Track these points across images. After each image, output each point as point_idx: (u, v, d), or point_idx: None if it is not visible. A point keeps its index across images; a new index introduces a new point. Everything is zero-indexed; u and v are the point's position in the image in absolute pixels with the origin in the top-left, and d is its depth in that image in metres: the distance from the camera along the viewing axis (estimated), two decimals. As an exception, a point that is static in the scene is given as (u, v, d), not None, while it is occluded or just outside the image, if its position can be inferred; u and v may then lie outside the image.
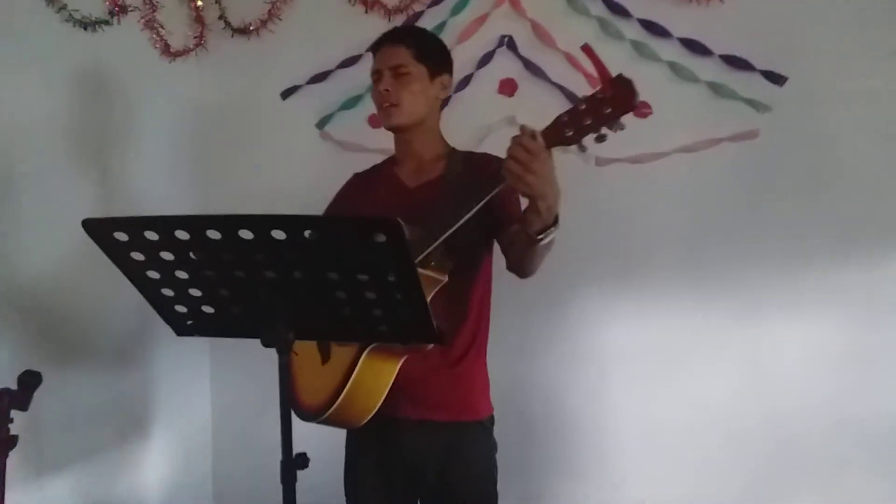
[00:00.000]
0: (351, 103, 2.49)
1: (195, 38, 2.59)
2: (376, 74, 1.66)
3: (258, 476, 2.67)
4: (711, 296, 2.18)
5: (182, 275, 1.18)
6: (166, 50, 2.51)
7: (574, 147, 1.32)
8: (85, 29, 2.18)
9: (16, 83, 1.98)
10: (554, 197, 1.32)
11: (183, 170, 2.60)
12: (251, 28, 2.57)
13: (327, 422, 1.52)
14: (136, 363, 2.38)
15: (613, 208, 2.25)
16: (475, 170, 1.62)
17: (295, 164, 2.58)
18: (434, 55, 1.68)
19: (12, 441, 1.44)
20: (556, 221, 1.37)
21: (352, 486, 1.70)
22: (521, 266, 1.54)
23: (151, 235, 1.11)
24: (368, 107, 2.46)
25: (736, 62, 2.13)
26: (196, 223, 1.08)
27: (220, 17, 2.59)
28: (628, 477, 2.24)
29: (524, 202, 1.40)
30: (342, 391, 1.44)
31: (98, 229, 1.11)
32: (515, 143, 1.30)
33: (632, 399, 2.24)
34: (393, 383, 1.48)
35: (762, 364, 2.14)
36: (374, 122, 2.47)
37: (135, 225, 1.10)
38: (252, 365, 2.61)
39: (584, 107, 1.29)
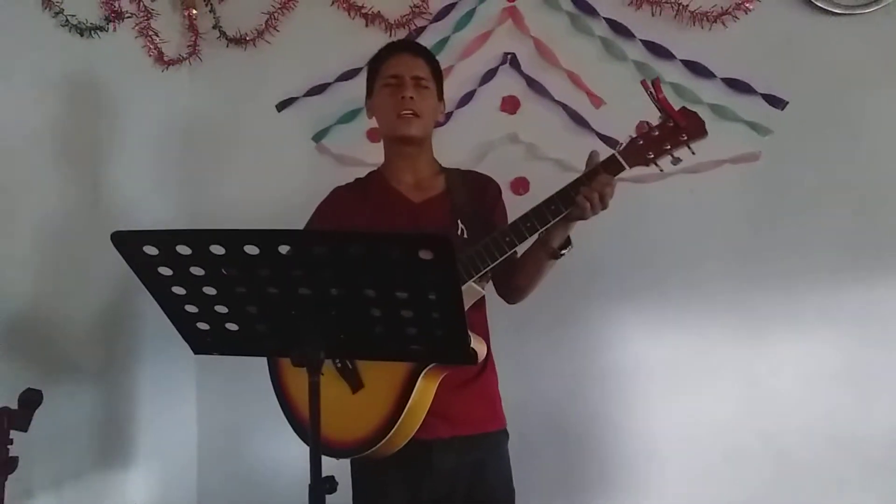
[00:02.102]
0: (349, 117, 2.45)
1: (189, 46, 2.53)
2: (396, 79, 1.63)
3: (244, 498, 2.61)
4: (712, 315, 2.19)
5: (210, 291, 1.14)
6: (160, 58, 2.44)
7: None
8: (81, 35, 2.11)
9: (8, 87, 1.91)
10: None
11: (174, 180, 2.53)
12: (247, 38, 2.52)
13: (368, 456, 1.47)
14: (123, 382, 2.29)
15: (616, 228, 2.23)
16: (474, 187, 1.70)
17: (290, 178, 2.52)
18: (440, 78, 1.73)
19: (13, 463, 1.37)
20: (569, 240, 1.52)
21: None
22: (525, 287, 1.64)
23: (184, 250, 1.06)
24: (367, 121, 2.43)
25: (738, 85, 2.16)
26: (234, 238, 1.04)
27: (215, 27, 2.54)
28: (630, 495, 2.23)
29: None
30: (397, 419, 1.41)
31: (127, 242, 1.06)
32: (603, 182, 1.45)
33: (633, 417, 2.24)
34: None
35: (761, 382, 2.16)
36: (372, 136, 2.43)
37: (168, 239, 1.05)
38: (238, 386, 2.56)
39: (657, 133, 1.49)
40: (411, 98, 1.60)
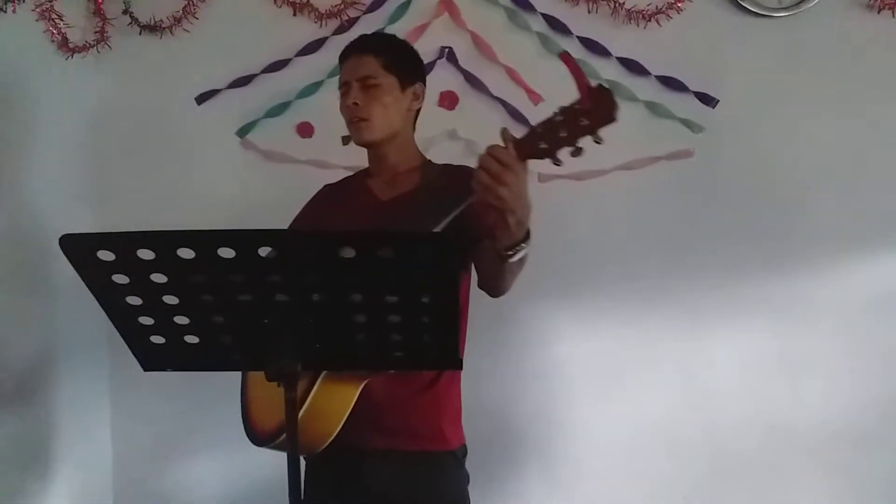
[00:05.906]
0: (277, 110, 2.32)
1: (96, 32, 2.32)
2: (344, 87, 1.58)
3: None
4: (650, 310, 2.22)
5: (171, 300, 1.02)
6: (64, 44, 2.23)
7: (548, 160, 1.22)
8: (-26, 15, 1.90)
9: None
10: (524, 211, 1.23)
11: (83, 178, 2.32)
12: (162, 25, 2.33)
13: (280, 447, 1.36)
14: (33, 401, 2.08)
15: (555, 225, 2.20)
16: (452, 182, 1.52)
17: (213, 175, 2.37)
18: (404, 64, 1.61)
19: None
20: (527, 237, 1.29)
21: None
22: (493, 284, 1.46)
23: (146, 254, 0.94)
24: (297, 114, 2.33)
25: (671, 83, 2.19)
26: (207, 239, 0.93)
27: (125, 12, 2.33)
28: (573, 494, 2.23)
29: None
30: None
31: (79, 247, 0.93)
32: (488, 153, 1.20)
33: (575, 416, 2.23)
34: (359, 409, 1.35)
35: (699, 375, 2.20)
36: (302, 131, 2.32)
37: (128, 242, 0.93)
38: (154, 405, 2.38)
39: (560, 118, 1.20)
40: (355, 104, 1.53)
